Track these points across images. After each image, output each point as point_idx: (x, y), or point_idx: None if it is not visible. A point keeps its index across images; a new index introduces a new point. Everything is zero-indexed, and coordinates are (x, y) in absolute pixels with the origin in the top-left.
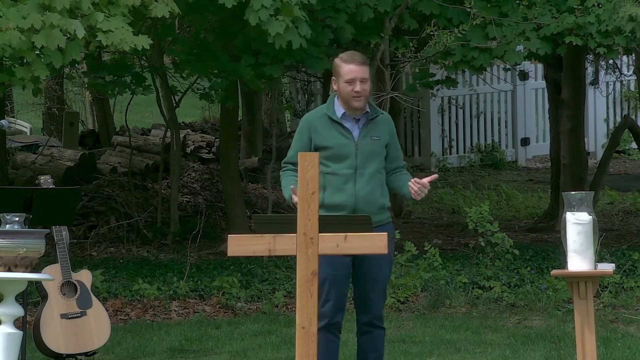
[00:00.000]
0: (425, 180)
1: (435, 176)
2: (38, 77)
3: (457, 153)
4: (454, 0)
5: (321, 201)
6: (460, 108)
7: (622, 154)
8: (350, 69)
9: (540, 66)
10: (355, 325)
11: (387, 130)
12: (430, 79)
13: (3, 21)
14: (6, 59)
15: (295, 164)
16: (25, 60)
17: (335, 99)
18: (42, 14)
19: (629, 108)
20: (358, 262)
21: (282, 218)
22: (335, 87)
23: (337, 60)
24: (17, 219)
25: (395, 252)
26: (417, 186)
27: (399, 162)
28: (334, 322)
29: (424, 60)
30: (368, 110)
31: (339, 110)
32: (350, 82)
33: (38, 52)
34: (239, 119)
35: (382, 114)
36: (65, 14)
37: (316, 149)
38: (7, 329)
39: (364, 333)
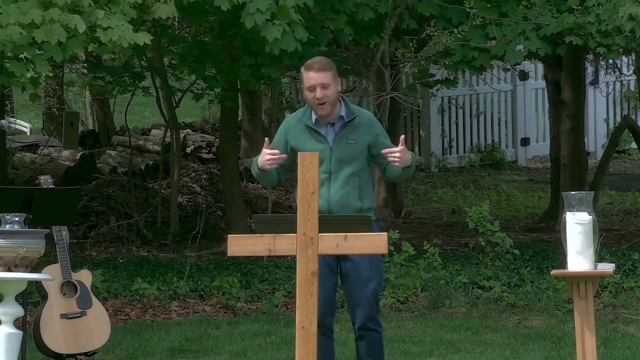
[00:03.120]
0: (397, 148)
1: (402, 137)
2: (37, 78)
3: (457, 153)
4: (453, 0)
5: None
6: (460, 108)
7: (622, 154)
8: (309, 77)
9: (540, 66)
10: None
11: (367, 131)
12: (430, 79)
13: (3, 17)
14: (6, 61)
15: None
16: (23, 57)
17: None
18: (43, 10)
19: (629, 108)
20: (341, 263)
21: (282, 218)
22: (304, 94)
23: (302, 68)
24: (17, 219)
25: (394, 252)
26: (391, 156)
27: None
28: (323, 324)
29: (424, 61)
30: (342, 114)
31: (314, 115)
32: (311, 89)
33: (38, 47)
34: (239, 119)
35: (360, 116)
36: (66, 10)
37: (293, 152)
38: (7, 329)
39: (358, 338)
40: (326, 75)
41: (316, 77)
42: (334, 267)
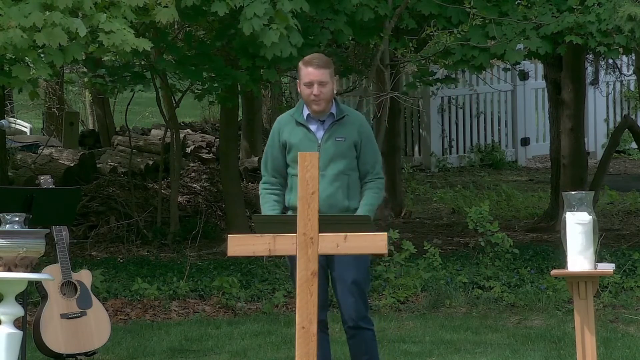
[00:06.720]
0: None
1: None
2: (36, 79)
3: (457, 153)
4: (453, 0)
5: (288, 203)
6: (460, 108)
7: (622, 154)
8: (307, 72)
9: (540, 66)
10: None
11: (356, 130)
12: (431, 77)
13: (5, 20)
14: (6, 63)
15: (271, 180)
16: (25, 61)
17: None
18: (44, 13)
19: (629, 108)
20: (328, 264)
21: (282, 218)
22: (299, 89)
23: (299, 63)
24: (17, 219)
25: (394, 252)
26: None
27: (368, 167)
28: (318, 319)
29: (424, 60)
30: (333, 112)
31: (305, 112)
32: (308, 85)
33: (40, 50)
34: (239, 119)
35: (349, 115)
36: (67, 13)
37: (284, 147)
38: (7, 329)
39: (351, 337)
40: (325, 72)
41: (315, 74)
42: (324, 265)
